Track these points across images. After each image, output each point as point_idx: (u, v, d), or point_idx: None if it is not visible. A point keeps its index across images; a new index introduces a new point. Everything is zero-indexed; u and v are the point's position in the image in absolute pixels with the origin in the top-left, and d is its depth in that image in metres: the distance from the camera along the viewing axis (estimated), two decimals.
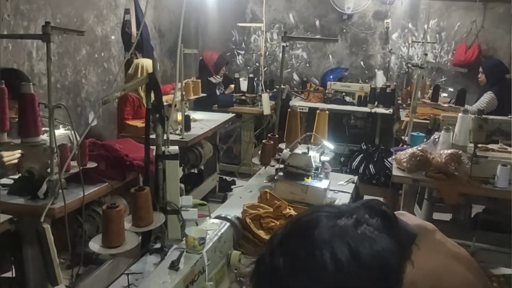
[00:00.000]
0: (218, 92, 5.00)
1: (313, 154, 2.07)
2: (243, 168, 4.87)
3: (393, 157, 2.76)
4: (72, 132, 2.25)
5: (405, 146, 3.06)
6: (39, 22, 3.18)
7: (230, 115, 4.26)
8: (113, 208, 1.27)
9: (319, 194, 1.98)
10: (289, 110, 2.52)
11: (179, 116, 3.34)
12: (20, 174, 2.15)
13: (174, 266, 1.02)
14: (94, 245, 1.29)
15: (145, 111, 3.35)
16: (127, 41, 4.37)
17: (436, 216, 3.55)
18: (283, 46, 2.54)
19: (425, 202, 3.50)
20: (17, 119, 2.05)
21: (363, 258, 0.69)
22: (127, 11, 4.28)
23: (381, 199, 3.11)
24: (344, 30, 5.44)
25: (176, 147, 1.49)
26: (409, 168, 2.57)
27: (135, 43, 2.91)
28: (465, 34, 5.00)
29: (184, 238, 1.10)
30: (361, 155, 3.39)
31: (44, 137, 2.00)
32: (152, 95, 1.58)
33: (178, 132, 3.29)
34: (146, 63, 3.38)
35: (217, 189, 4.36)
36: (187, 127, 3.38)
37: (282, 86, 2.70)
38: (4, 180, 2.18)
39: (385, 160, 3.26)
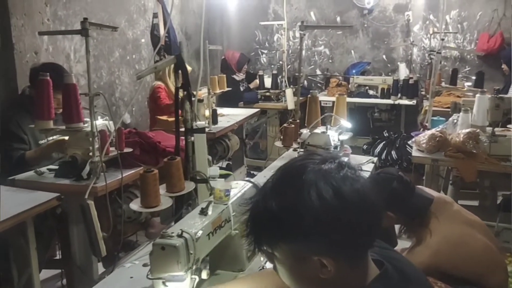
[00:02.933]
0: (241, 88, 5.18)
1: (331, 133, 2.19)
2: (270, 163, 4.99)
3: (413, 140, 2.85)
4: (110, 122, 2.47)
5: (425, 131, 3.13)
6: (76, 26, 3.43)
7: (255, 110, 4.42)
8: (149, 172, 1.45)
9: None
10: (309, 96, 2.66)
11: (207, 112, 3.54)
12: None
13: (203, 212, 1.18)
14: (134, 205, 1.46)
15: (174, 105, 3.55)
16: (156, 44, 4.61)
17: (462, 202, 3.60)
18: (301, 35, 2.68)
19: (451, 188, 3.55)
20: (58, 109, 2.28)
21: (345, 194, 0.80)
22: (155, 15, 4.51)
23: None
24: (365, 25, 5.52)
25: (204, 122, 1.66)
26: (428, 148, 2.65)
27: (160, 43, 3.07)
28: (487, 23, 5.00)
29: (211, 191, 1.25)
30: (384, 142, 3.47)
31: (86, 125, 2.22)
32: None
33: (206, 125, 3.47)
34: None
35: None
36: (215, 121, 3.56)
37: (300, 74, 2.84)
38: (50, 167, 2.41)
39: (407, 145, 3.34)
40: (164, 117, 3.48)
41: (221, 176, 1.74)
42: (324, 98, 5.24)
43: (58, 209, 2.46)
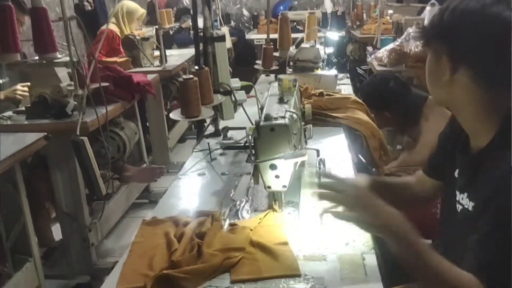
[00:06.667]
0: (170, 32, 4.94)
1: (319, 46, 2.22)
2: None
3: (373, 57, 2.99)
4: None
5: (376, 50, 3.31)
6: None
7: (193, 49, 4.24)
8: (189, 79, 1.35)
9: (331, 80, 2.15)
10: (279, 17, 2.63)
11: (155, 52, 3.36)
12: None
13: (282, 100, 1.15)
14: (175, 115, 1.37)
15: (120, 45, 3.30)
16: None
17: None
18: None
19: None
20: None
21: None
22: None
23: None
24: None
25: (222, 30, 1.57)
26: (390, 62, 2.82)
27: None
28: None
29: (278, 83, 1.22)
30: (334, 66, 3.60)
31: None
32: None
33: (157, 64, 3.29)
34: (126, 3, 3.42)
35: None
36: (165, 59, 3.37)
37: None
38: (17, 110, 2.12)
39: (357, 68, 3.51)
40: (112, 59, 3.20)
41: (242, 87, 1.69)
42: (255, 36, 5.24)
43: (28, 157, 2.21)
